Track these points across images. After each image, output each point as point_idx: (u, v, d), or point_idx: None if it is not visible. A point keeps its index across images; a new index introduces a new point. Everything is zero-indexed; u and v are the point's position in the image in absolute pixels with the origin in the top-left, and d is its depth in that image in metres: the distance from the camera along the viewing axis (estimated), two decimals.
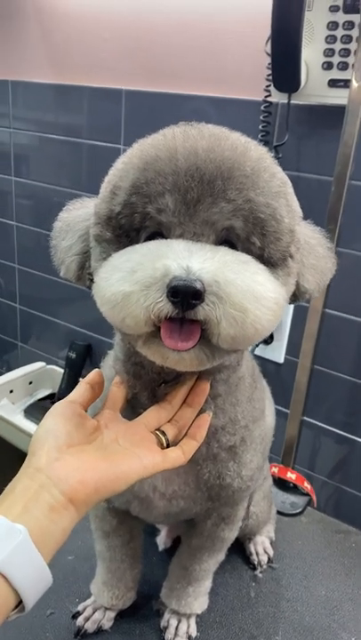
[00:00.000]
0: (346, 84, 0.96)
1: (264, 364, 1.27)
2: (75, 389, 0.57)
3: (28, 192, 1.65)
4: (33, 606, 0.44)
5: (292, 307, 1.15)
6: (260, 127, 1.10)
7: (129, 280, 0.45)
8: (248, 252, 0.49)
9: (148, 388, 0.58)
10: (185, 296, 0.43)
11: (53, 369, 1.77)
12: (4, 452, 1.60)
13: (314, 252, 0.57)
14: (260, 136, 1.10)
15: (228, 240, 0.49)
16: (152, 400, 0.58)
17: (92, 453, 0.50)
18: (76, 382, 1.69)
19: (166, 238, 0.49)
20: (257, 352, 1.25)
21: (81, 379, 1.82)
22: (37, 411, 1.64)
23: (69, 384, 1.65)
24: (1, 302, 1.89)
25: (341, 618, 0.82)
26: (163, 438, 0.55)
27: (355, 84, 0.84)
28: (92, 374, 0.59)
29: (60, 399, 0.55)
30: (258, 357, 1.25)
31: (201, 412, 0.58)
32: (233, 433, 0.61)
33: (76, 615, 0.77)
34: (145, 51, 1.29)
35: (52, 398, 1.71)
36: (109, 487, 0.49)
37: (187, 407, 0.58)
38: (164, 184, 0.47)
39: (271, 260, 0.50)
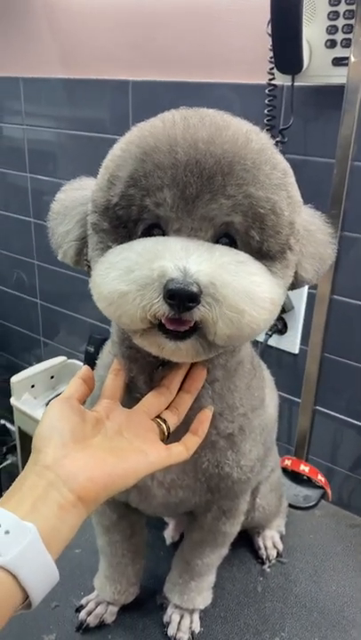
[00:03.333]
0: None
1: (279, 354, 1.24)
2: (69, 385, 0.57)
3: (43, 188, 1.66)
4: None
5: (305, 296, 1.11)
6: (265, 111, 1.07)
7: (125, 279, 0.45)
8: (247, 245, 0.48)
9: (146, 371, 0.58)
10: (181, 299, 0.43)
11: (74, 363, 1.78)
12: (27, 447, 1.63)
13: (313, 239, 0.55)
14: (265, 120, 1.07)
15: (227, 234, 0.49)
16: (149, 384, 0.58)
17: (98, 448, 0.50)
18: None
19: (164, 231, 0.49)
20: (272, 343, 1.22)
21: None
22: None
23: None
24: (23, 298, 1.92)
25: (351, 614, 0.79)
26: (164, 426, 0.55)
27: (353, 59, 0.81)
28: (83, 370, 0.59)
29: None
30: (273, 348, 1.22)
31: (198, 399, 0.58)
32: (231, 420, 0.60)
33: (79, 609, 0.77)
34: (148, 39, 1.27)
35: None
36: (118, 483, 0.49)
37: (184, 393, 0.57)
38: (162, 178, 0.46)
39: (270, 254, 0.49)
